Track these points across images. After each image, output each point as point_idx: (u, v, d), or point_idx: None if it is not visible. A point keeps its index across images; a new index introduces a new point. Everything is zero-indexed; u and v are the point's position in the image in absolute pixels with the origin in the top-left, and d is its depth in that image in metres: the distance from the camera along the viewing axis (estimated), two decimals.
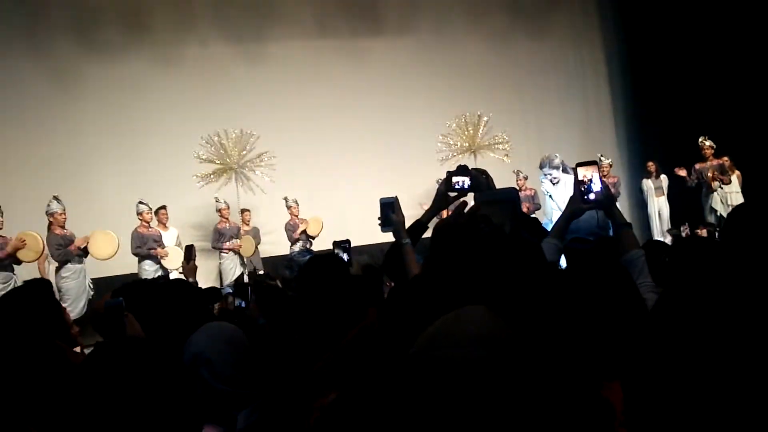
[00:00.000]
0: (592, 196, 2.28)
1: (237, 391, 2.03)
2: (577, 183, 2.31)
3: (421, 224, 2.58)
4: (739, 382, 1.16)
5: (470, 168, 2.58)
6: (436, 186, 2.66)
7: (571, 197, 2.39)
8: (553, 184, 10.03)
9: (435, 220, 2.50)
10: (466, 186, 2.53)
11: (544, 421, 1.19)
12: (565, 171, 9.92)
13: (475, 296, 1.44)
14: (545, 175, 10.31)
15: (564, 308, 1.47)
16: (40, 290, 2.54)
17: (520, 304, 1.47)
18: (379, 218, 2.56)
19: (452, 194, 2.59)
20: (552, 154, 10.35)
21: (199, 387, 1.90)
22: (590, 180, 2.28)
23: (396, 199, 2.57)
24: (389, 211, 2.54)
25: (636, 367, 1.38)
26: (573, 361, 1.39)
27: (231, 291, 4.31)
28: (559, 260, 2.36)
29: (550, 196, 10.16)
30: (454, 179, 2.54)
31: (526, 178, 10.86)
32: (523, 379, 1.10)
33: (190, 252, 4.17)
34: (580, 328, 1.44)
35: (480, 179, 2.54)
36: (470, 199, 2.40)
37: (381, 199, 2.57)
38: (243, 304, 3.52)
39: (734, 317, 1.20)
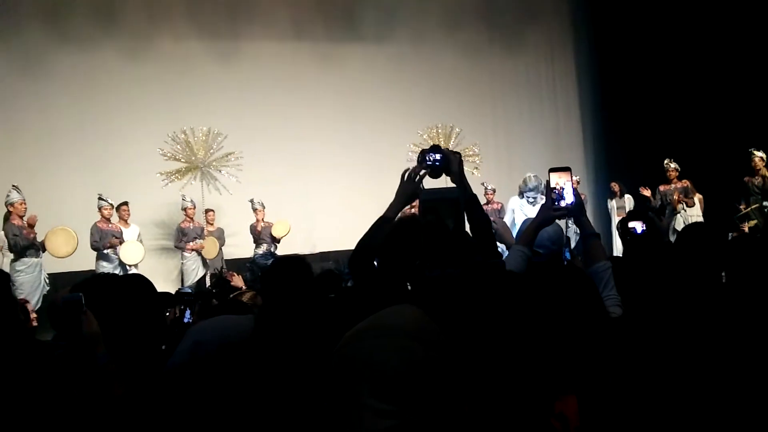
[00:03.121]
0: (562, 204, 2.24)
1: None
2: (549, 189, 2.26)
3: (387, 220, 2.37)
4: (700, 398, 1.15)
5: (443, 148, 2.48)
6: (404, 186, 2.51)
7: (542, 205, 2.34)
8: (531, 204, 10.06)
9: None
10: (438, 161, 2.40)
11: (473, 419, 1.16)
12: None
13: (411, 297, 1.39)
14: (527, 198, 10.23)
15: (516, 316, 1.43)
16: None
17: (457, 305, 1.43)
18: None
19: (423, 172, 2.43)
20: (528, 177, 10.29)
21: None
22: (562, 187, 2.23)
23: None
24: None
25: (596, 383, 1.35)
26: (524, 371, 1.36)
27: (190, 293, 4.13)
28: (525, 268, 2.28)
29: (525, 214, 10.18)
30: (427, 155, 2.42)
31: (494, 191, 10.91)
32: (452, 375, 1.06)
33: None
34: (535, 338, 1.40)
35: (451, 158, 2.43)
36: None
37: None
38: (188, 317, 3.23)
39: (689, 338, 1.19)
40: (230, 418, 1.83)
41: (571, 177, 2.28)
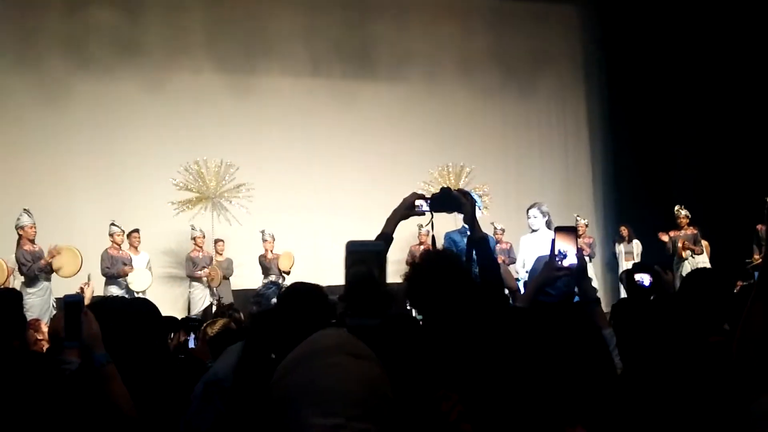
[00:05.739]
0: (565, 263, 2.27)
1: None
2: (553, 249, 2.29)
3: (387, 236, 2.45)
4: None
5: (453, 190, 2.56)
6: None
7: (546, 263, 2.37)
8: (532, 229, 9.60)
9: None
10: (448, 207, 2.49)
11: None
12: (547, 226, 9.39)
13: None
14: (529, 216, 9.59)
15: (516, 351, 1.47)
16: (6, 300, 2.49)
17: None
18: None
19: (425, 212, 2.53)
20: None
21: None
22: (566, 251, 2.27)
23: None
24: None
25: (602, 415, 1.37)
26: (531, 404, 1.38)
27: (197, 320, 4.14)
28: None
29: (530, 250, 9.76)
30: (432, 202, 2.51)
31: (503, 231, 10.91)
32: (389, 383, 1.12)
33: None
34: (535, 371, 1.43)
35: (463, 201, 2.49)
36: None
37: None
38: (192, 342, 3.26)
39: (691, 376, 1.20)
40: None
41: (576, 238, 2.32)
